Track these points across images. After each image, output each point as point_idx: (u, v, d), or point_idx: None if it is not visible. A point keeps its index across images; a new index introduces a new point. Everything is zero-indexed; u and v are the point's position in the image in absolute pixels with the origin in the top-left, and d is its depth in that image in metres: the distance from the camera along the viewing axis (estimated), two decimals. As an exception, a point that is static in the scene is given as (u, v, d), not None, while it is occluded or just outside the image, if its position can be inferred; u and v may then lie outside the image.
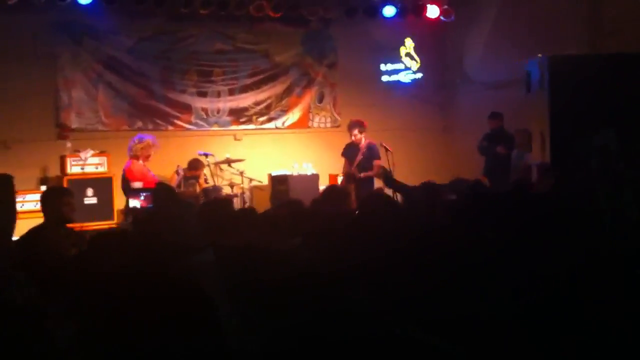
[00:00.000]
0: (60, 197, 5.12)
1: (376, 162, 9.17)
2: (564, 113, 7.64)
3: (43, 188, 9.52)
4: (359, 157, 9.20)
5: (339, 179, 9.80)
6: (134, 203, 7.38)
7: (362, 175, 9.11)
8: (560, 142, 7.62)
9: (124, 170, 8.09)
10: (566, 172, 6.75)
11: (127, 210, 7.54)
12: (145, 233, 2.35)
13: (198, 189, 9.30)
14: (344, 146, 9.56)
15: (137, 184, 7.75)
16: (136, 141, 8.12)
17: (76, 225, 8.94)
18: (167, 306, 2.04)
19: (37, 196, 9.17)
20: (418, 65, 11.56)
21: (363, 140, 9.29)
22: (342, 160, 9.62)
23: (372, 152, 9.25)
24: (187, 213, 2.39)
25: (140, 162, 8.06)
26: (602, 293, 2.39)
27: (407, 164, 9.81)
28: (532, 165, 8.12)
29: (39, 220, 7.97)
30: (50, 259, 4.12)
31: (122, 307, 2.02)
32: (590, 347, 2.19)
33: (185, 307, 2.04)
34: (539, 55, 8.11)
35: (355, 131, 9.27)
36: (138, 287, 2.11)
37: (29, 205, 8.97)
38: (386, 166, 9.43)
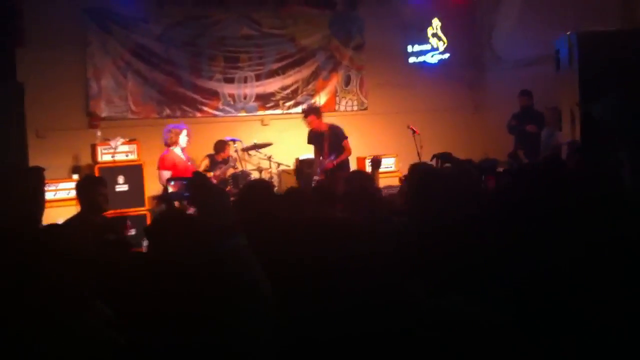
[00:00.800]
0: (94, 187, 5.19)
1: (345, 143, 8.95)
2: (594, 91, 7.50)
3: (75, 177, 9.68)
4: (325, 143, 8.97)
5: (367, 163, 9.66)
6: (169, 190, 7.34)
7: (334, 162, 8.84)
8: (591, 120, 7.49)
9: (158, 159, 8.21)
10: (596, 152, 6.65)
11: (161, 197, 7.51)
12: (187, 217, 2.45)
13: (229, 172, 9.38)
14: (372, 129, 9.48)
15: (166, 173, 7.82)
16: (170, 129, 8.24)
17: (109, 213, 9.16)
18: (219, 286, 2.11)
19: (69, 184, 9.36)
20: (445, 45, 11.44)
21: (323, 124, 9.03)
22: (370, 142, 9.56)
23: (337, 134, 8.97)
24: (222, 200, 2.55)
25: (177, 150, 8.12)
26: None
27: (437, 144, 9.68)
28: (562, 143, 8.01)
29: (71, 208, 8.22)
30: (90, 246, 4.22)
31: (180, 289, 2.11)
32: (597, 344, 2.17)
33: (236, 288, 2.12)
34: (568, 32, 7.96)
35: (310, 118, 8.99)
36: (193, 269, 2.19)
37: (61, 194, 9.12)
38: (414, 148, 9.39)
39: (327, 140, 8.95)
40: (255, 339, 2.15)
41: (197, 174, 2.67)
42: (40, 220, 5.04)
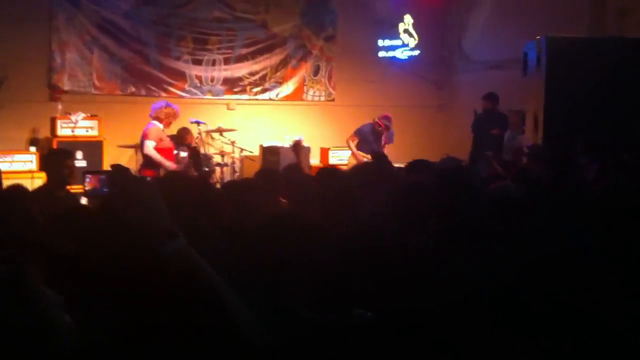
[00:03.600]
0: (61, 160, 5.09)
1: None
2: (559, 96, 7.58)
3: (32, 149, 9.48)
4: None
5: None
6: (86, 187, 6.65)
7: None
8: (553, 125, 7.57)
9: (143, 132, 7.92)
10: (558, 157, 6.70)
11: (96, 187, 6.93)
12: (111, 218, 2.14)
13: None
14: (338, 120, 9.44)
15: (151, 143, 7.60)
16: (163, 105, 7.97)
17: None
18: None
19: (26, 157, 9.18)
20: (416, 42, 11.46)
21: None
22: (334, 134, 9.51)
23: None
24: (151, 196, 2.09)
25: (160, 126, 7.90)
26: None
27: (400, 141, 9.74)
28: (523, 146, 8.08)
29: (26, 181, 8.03)
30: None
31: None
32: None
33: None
34: (538, 37, 8.03)
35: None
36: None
37: (17, 165, 8.92)
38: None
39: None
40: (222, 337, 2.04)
41: (116, 166, 2.13)
42: None
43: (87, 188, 5.65)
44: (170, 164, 7.63)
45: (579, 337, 2.21)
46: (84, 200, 5.70)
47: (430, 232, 3.22)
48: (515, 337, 2.20)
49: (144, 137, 7.72)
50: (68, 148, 9.02)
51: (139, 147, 8.12)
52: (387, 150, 9.01)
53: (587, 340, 2.20)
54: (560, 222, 3.31)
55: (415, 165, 5.21)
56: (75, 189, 5.68)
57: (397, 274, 2.66)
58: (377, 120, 9.21)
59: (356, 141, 9.31)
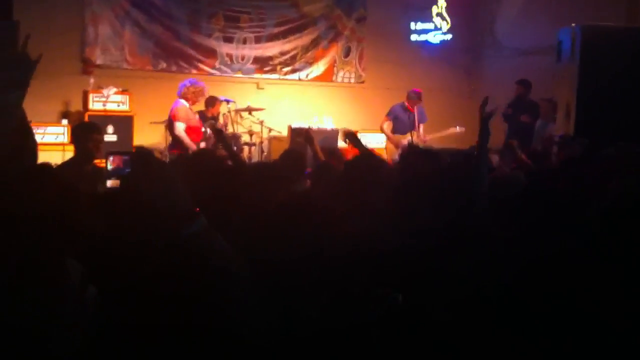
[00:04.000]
0: (87, 134, 5.04)
1: None
2: (592, 85, 7.48)
3: (64, 122, 9.59)
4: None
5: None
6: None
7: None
8: (586, 114, 7.49)
9: (171, 109, 7.96)
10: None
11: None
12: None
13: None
14: (368, 103, 9.46)
15: (181, 125, 7.67)
16: (188, 84, 7.97)
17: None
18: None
19: (58, 129, 9.29)
20: (448, 26, 11.35)
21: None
22: (364, 116, 9.50)
23: None
24: (172, 179, 2.07)
25: (187, 104, 7.91)
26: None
27: (429, 125, 9.70)
28: (554, 136, 8.00)
29: (57, 153, 8.14)
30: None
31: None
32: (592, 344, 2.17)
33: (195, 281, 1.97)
34: (573, 24, 7.92)
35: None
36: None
37: (49, 137, 9.04)
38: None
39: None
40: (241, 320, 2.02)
41: (140, 148, 2.03)
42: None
43: (109, 167, 5.68)
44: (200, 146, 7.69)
45: (579, 337, 2.21)
46: (108, 182, 5.73)
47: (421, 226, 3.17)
48: (515, 337, 2.20)
49: (173, 118, 7.73)
50: (99, 122, 9.20)
51: (167, 126, 8.17)
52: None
53: (587, 340, 2.20)
54: (562, 221, 3.26)
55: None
56: (102, 163, 5.74)
57: (399, 274, 2.63)
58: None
59: (390, 124, 9.33)
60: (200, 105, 9.52)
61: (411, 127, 9.29)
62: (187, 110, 7.78)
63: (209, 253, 2.01)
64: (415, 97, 9.38)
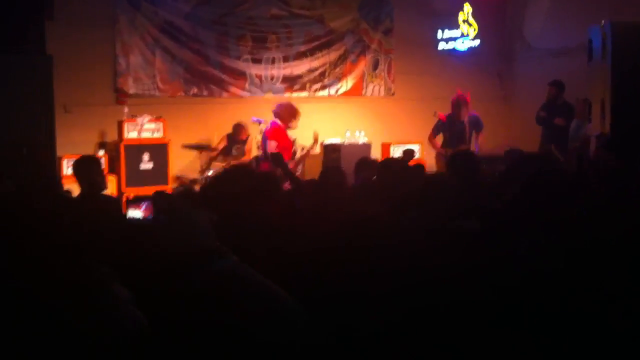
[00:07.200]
0: (94, 167, 5.06)
1: None
2: (626, 82, 7.36)
3: (101, 152, 9.75)
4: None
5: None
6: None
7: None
8: (622, 113, 7.36)
9: (265, 128, 8.38)
10: (627, 146, 6.52)
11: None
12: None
13: (245, 156, 9.55)
14: (399, 115, 9.40)
15: (273, 143, 7.98)
16: (286, 105, 8.44)
17: (132, 190, 9.20)
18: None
19: (95, 160, 9.44)
20: (476, 32, 11.28)
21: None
22: (395, 129, 9.46)
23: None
24: (193, 219, 2.09)
25: (281, 123, 8.31)
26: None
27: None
28: (590, 136, 7.89)
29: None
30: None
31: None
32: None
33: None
34: (602, 21, 7.80)
35: None
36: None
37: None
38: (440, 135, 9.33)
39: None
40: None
41: (157, 193, 2.07)
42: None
43: (141, 216, 5.63)
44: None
45: (579, 337, 2.18)
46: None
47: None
48: (515, 337, 2.18)
49: (267, 134, 8.22)
50: (135, 151, 9.43)
51: (261, 144, 8.59)
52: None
53: (587, 340, 2.17)
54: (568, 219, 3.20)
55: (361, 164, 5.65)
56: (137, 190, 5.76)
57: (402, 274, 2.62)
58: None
59: (439, 138, 9.31)
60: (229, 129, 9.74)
61: (460, 137, 9.15)
62: (282, 130, 8.20)
63: (239, 287, 2.02)
64: (457, 103, 9.26)
